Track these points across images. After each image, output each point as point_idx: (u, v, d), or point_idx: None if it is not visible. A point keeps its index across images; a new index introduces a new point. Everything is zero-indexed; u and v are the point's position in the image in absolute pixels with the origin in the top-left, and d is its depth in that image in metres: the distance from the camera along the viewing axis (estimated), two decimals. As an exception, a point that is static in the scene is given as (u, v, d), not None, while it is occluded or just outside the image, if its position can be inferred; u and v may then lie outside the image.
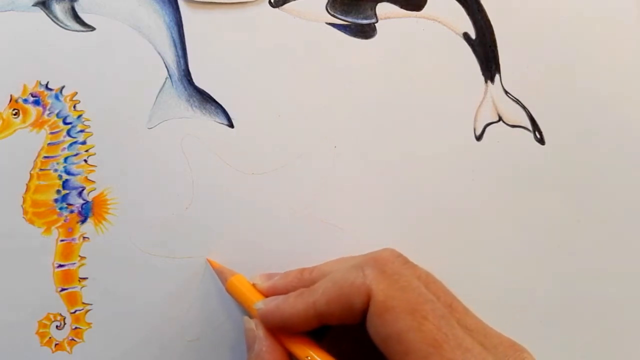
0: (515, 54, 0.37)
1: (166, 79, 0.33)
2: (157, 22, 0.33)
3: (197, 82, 0.33)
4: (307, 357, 0.27)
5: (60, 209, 0.31)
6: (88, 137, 0.32)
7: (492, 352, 0.25)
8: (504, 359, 0.25)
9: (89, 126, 0.32)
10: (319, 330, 0.28)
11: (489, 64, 0.36)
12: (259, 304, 0.28)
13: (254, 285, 0.30)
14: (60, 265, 0.31)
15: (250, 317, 0.29)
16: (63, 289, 0.31)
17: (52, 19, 0.32)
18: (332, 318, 0.26)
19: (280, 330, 0.28)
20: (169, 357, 0.32)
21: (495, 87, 0.36)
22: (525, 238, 0.36)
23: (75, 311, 0.31)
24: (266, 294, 0.30)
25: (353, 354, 0.27)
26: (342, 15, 0.35)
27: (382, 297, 0.25)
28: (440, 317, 0.25)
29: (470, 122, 0.36)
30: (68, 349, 0.31)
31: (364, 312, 0.25)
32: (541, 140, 0.36)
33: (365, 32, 0.35)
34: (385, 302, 0.25)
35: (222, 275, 0.31)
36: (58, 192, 0.31)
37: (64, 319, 0.31)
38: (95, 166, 0.32)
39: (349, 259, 0.29)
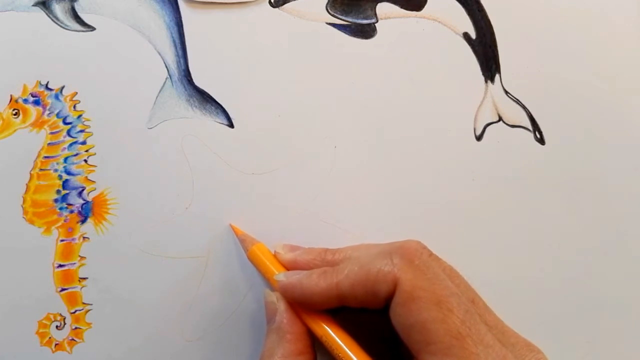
0: (515, 54, 0.37)
1: (166, 79, 0.33)
2: (157, 22, 0.33)
3: (197, 82, 0.33)
4: (323, 334, 0.27)
5: (60, 209, 0.31)
6: (88, 137, 0.32)
7: (510, 350, 0.25)
8: (520, 358, 0.25)
9: (89, 126, 0.32)
10: (339, 310, 0.28)
11: (489, 64, 0.36)
12: (280, 275, 0.29)
13: (275, 254, 0.31)
14: (60, 265, 0.31)
15: (271, 287, 0.30)
16: (63, 289, 0.31)
17: (52, 19, 0.32)
18: (354, 301, 0.27)
19: (299, 305, 0.28)
20: (169, 357, 0.32)
21: (495, 87, 0.36)
22: (525, 238, 0.36)
23: (75, 311, 0.31)
24: (287, 267, 0.30)
25: (367, 334, 0.27)
26: (342, 15, 0.35)
27: (409, 286, 0.25)
28: (465, 311, 0.25)
29: (470, 122, 0.36)
30: (68, 349, 0.31)
31: (387, 300, 0.26)
32: (541, 140, 0.36)
33: (365, 32, 0.35)
34: (412, 292, 0.25)
35: (244, 243, 0.32)
36: (58, 192, 0.31)
37: (64, 319, 0.31)
38: (95, 166, 0.32)
39: (373, 246, 0.29)
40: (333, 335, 0.27)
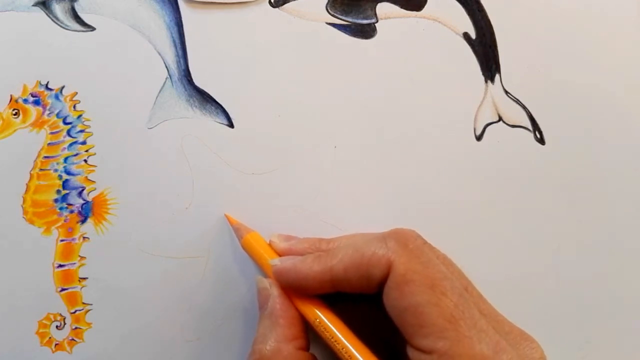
0: (515, 54, 0.37)
1: (166, 79, 0.33)
2: (157, 22, 0.33)
3: (197, 82, 0.33)
4: (316, 319, 0.27)
5: (60, 209, 0.31)
6: (88, 137, 0.32)
7: (504, 337, 0.25)
8: (515, 346, 0.25)
9: (89, 126, 0.32)
10: (331, 298, 0.28)
11: (489, 64, 0.36)
12: (275, 260, 0.29)
13: (270, 243, 0.31)
14: (60, 265, 0.31)
15: (264, 276, 0.30)
16: (63, 289, 0.31)
17: (52, 19, 0.32)
18: (348, 285, 0.27)
19: (294, 290, 0.28)
20: (169, 357, 0.32)
21: (495, 87, 0.36)
22: (525, 238, 0.36)
23: (75, 311, 0.31)
24: (281, 255, 0.30)
25: (360, 325, 0.27)
26: (342, 15, 0.35)
27: (402, 269, 0.25)
28: (459, 295, 0.25)
29: (470, 122, 0.36)
30: (68, 349, 0.31)
31: (380, 284, 0.26)
32: (541, 140, 0.36)
33: (365, 32, 0.35)
34: (405, 275, 0.25)
35: (238, 232, 0.32)
36: (58, 192, 0.31)
37: (64, 319, 0.31)
38: (95, 166, 0.32)
39: (369, 233, 0.30)
40: (325, 320, 0.27)
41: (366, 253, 0.26)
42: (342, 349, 0.26)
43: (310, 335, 0.28)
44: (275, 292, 0.28)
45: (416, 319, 0.24)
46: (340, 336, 0.27)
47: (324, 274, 0.27)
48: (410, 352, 0.25)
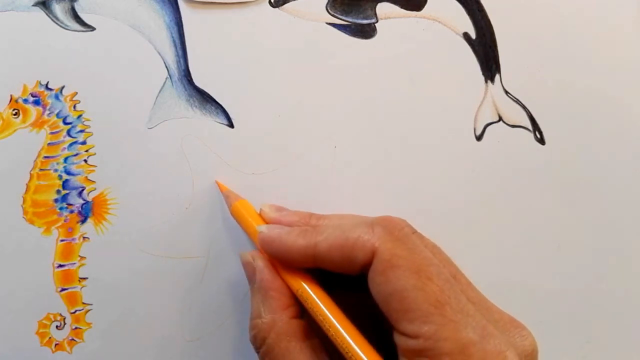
0: (515, 54, 0.37)
1: (166, 79, 0.33)
2: (157, 22, 0.33)
3: (197, 82, 0.33)
4: (298, 289, 0.27)
5: (60, 209, 0.31)
6: (88, 137, 0.32)
7: (492, 324, 0.25)
8: (505, 333, 0.25)
9: (89, 126, 0.32)
10: (323, 284, 0.28)
11: (489, 64, 0.36)
12: (262, 227, 0.29)
13: (261, 212, 0.31)
14: (60, 265, 0.31)
15: (251, 247, 0.29)
16: (63, 289, 0.31)
17: (52, 19, 0.32)
18: (330, 264, 0.27)
19: (277, 259, 0.28)
20: (169, 357, 0.32)
21: (495, 87, 0.36)
22: (525, 238, 0.36)
23: (75, 311, 0.31)
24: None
25: (350, 312, 0.27)
26: (342, 15, 0.35)
27: (387, 255, 0.25)
28: (445, 280, 0.25)
29: (470, 122, 0.36)
30: (68, 349, 0.31)
31: (363, 268, 0.26)
32: (541, 140, 0.36)
33: (365, 32, 0.35)
34: (391, 260, 0.25)
35: (228, 200, 0.32)
36: (58, 192, 0.31)
37: (64, 319, 0.31)
38: (95, 166, 0.32)
39: (360, 216, 0.30)
40: (309, 290, 0.27)
41: (351, 236, 0.26)
42: (323, 319, 0.26)
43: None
44: (260, 264, 0.28)
45: (401, 303, 0.24)
46: (322, 307, 0.26)
47: (308, 249, 0.27)
48: (396, 337, 0.24)
